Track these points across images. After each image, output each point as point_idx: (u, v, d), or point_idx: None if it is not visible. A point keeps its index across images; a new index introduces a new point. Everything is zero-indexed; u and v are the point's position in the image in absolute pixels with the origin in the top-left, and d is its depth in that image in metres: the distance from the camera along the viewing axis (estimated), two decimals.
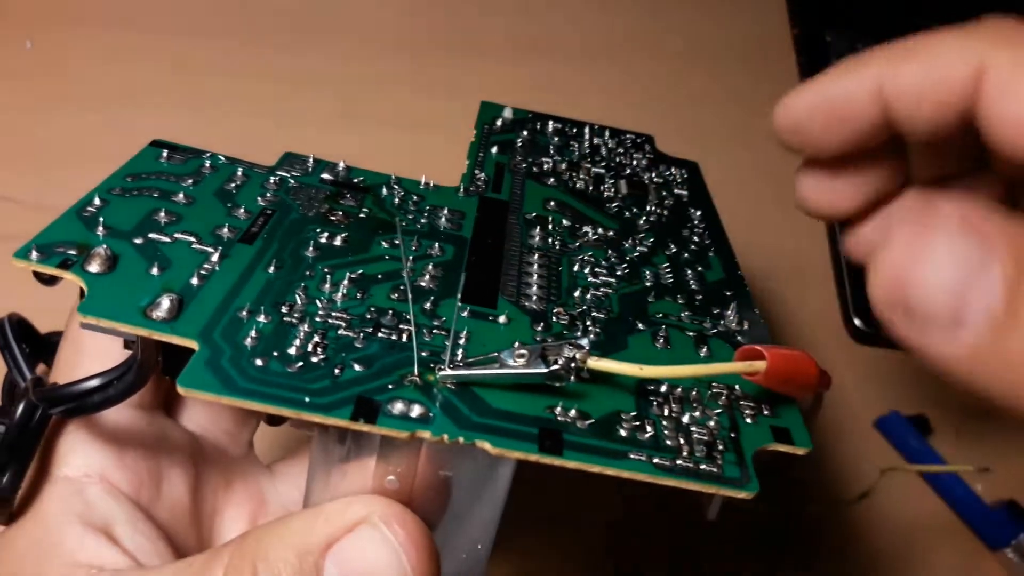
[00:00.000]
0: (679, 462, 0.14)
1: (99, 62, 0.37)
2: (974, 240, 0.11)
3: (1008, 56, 0.13)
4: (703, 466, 0.14)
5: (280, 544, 0.13)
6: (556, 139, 0.25)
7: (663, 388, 0.15)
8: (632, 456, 0.14)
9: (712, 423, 0.15)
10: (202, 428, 0.19)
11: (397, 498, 0.14)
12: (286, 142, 0.35)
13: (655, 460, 0.14)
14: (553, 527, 0.27)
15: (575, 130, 0.25)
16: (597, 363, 0.14)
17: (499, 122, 0.25)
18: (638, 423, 0.14)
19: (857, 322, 0.36)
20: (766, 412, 0.15)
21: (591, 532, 0.28)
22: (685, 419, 0.15)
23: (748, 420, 0.15)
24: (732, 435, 0.15)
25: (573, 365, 0.14)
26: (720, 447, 0.14)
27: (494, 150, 0.23)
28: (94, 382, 0.14)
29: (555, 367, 0.14)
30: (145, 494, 0.17)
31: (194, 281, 0.15)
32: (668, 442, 0.14)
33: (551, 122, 0.26)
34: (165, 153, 0.19)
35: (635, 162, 0.24)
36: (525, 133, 0.24)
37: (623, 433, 0.14)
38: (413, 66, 0.40)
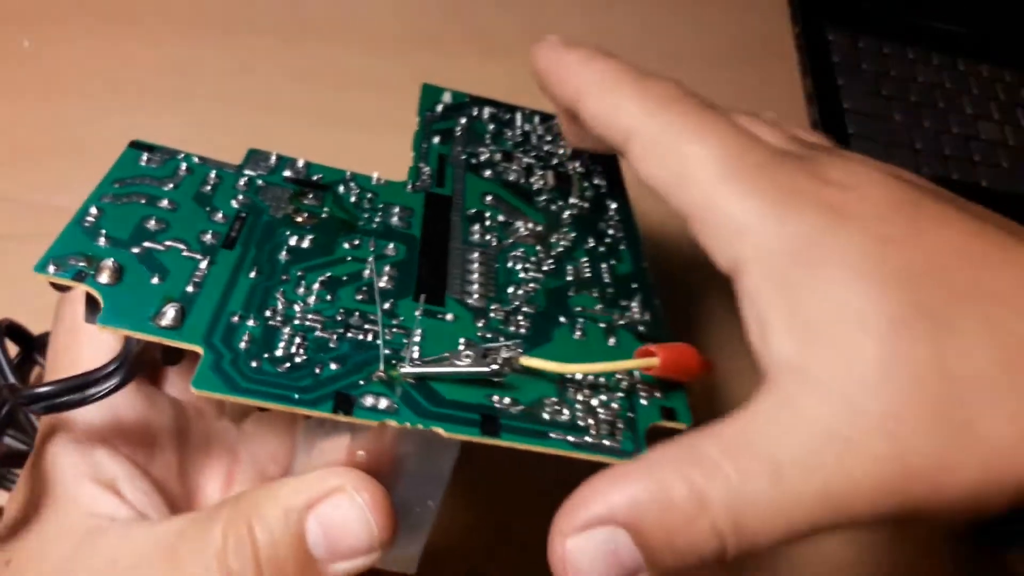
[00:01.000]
0: (588, 439, 0.18)
1: (97, 61, 0.37)
2: None
3: (642, 127, 0.19)
4: (606, 442, 0.18)
5: (272, 504, 0.17)
6: (492, 126, 0.27)
7: (579, 376, 0.19)
8: (552, 435, 0.18)
9: (615, 405, 0.19)
10: (182, 394, 0.22)
11: (364, 469, 0.18)
12: (282, 140, 0.36)
13: (570, 438, 0.18)
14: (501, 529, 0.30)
15: (508, 116, 0.28)
16: (528, 361, 0.18)
17: (439, 107, 0.27)
18: (558, 407, 0.18)
19: None
20: (658, 395, 0.20)
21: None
22: (594, 402, 0.19)
23: (644, 402, 0.19)
24: (630, 415, 0.19)
25: (509, 364, 0.18)
26: (620, 425, 0.18)
27: (436, 140, 0.26)
28: (109, 373, 0.17)
29: (495, 367, 0.18)
30: (141, 455, 0.20)
31: (189, 289, 0.18)
32: (580, 423, 0.18)
33: (487, 108, 0.28)
34: (145, 156, 0.21)
35: (562, 150, 0.27)
36: (464, 120, 0.27)
37: (546, 416, 0.18)
38: (399, 64, 0.41)
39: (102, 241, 0.18)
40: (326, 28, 0.42)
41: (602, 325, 0.21)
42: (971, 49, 0.52)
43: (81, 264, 0.17)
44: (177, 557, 0.17)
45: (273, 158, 0.23)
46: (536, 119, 0.28)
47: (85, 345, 0.19)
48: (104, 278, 0.17)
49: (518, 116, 0.28)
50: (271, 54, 0.40)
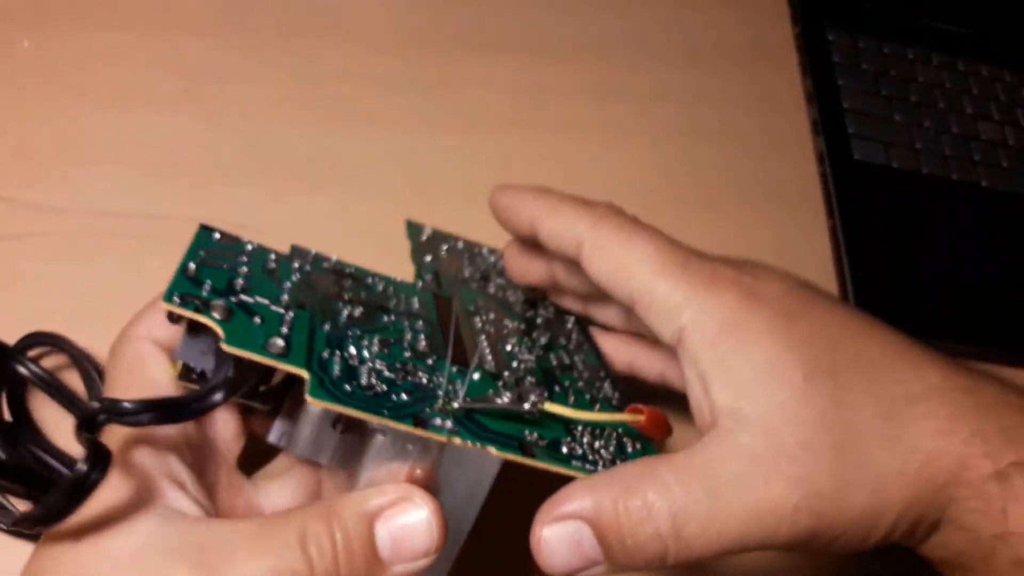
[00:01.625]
0: (599, 469, 0.23)
1: (96, 61, 0.40)
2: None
3: (590, 236, 0.25)
4: None
5: (348, 509, 0.21)
6: (466, 255, 0.33)
7: (580, 428, 0.24)
8: (574, 462, 0.23)
9: (612, 448, 0.24)
10: (221, 442, 0.25)
11: (421, 484, 0.22)
12: (285, 137, 0.40)
13: (587, 466, 0.23)
14: None
15: (477, 250, 0.34)
16: (550, 407, 0.23)
17: (424, 238, 0.33)
18: (573, 445, 0.23)
19: None
20: (637, 446, 0.25)
21: None
22: (596, 445, 0.24)
23: (629, 449, 0.25)
24: (623, 456, 0.24)
25: (537, 405, 0.23)
26: (617, 463, 0.24)
27: (428, 258, 0.32)
28: (219, 396, 0.21)
29: (527, 406, 0.23)
30: (197, 468, 0.23)
31: (284, 330, 0.22)
32: (590, 457, 0.23)
33: (459, 242, 0.34)
34: (217, 235, 0.25)
35: None
36: (445, 247, 0.33)
37: (565, 450, 0.23)
38: (407, 65, 0.45)
39: (206, 291, 0.22)
40: (327, 28, 0.45)
41: (587, 396, 0.27)
42: (971, 49, 0.53)
43: (197, 302, 0.22)
44: (261, 543, 0.20)
45: (312, 253, 0.28)
46: (499, 254, 0.34)
47: (150, 377, 0.23)
48: (217, 315, 0.21)
49: (484, 250, 0.35)
50: (272, 53, 0.42)
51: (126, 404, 0.20)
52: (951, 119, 0.49)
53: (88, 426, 0.20)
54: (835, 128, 0.47)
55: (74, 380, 0.31)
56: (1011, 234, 0.48)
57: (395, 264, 0.32)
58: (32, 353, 0.31)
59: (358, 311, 0.25)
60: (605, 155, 0.46)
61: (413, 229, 0.34)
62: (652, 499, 0.21)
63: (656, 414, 0.25)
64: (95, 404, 0.20)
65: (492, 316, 0.29)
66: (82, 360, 0.31)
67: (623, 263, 0.24)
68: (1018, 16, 0.56)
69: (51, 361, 0.32)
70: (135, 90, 0.40)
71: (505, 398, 0.23)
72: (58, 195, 0.36)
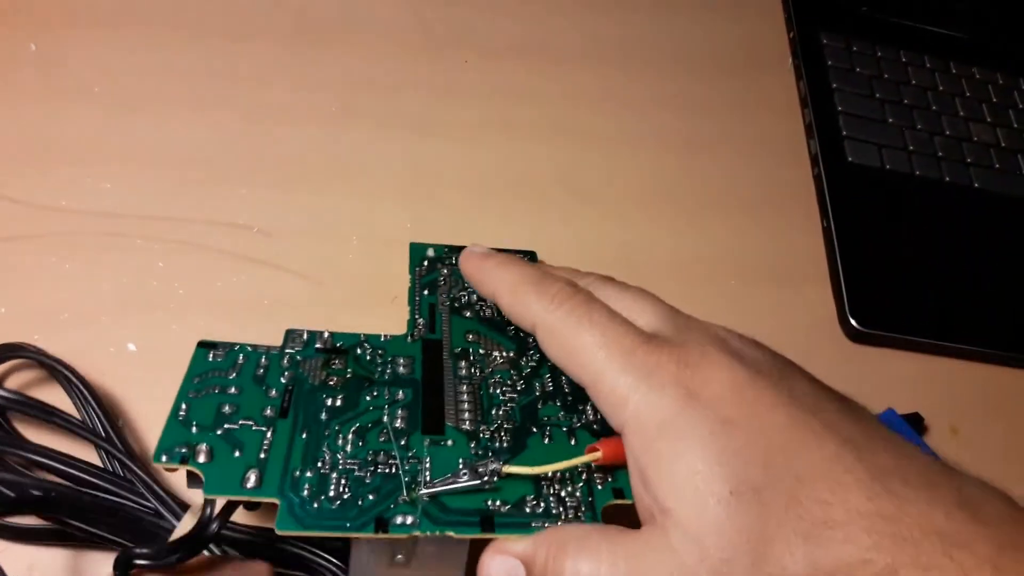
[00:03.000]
0: (559, 524, 0.25)
1: (101, 64, 0.41)
2: None
3: (543, 320, 0.28)
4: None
5: None
6: None
7: (549, 474, 0.27)
8: (533, 524, 0.25)
9: (578, 494, 0.26)
10: None
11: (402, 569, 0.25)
12: (283, 141, 0.42)
13: (546, 525, 0.25)
14: None
15: None
16: (509, 468, 0.26)
17: (425, 261, 0.35)
18: (535, 502, 0.26)
19: (853, 321, 0.41)
20: (609, 479, 0.27)
21: None
22: (563, 494, 0.26)
23: (599, 486, 0.27)
24: (590, 499, 0.26)
25: (496, 473, 0.25)
26: (583, 509, 0.26)
27: (426, 292, 0.34)
28: (215, 526, 0.25)
29: (485, 478, 0.25)
30: None
31: (262, 455, 0.26)
32: (553, 511, 0.26)
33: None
34: (211, 354, 0.29)
35: None
36: (445, 270, 0.35)
37: (528, 510, 0.26)
38: (411, 68, 0.46)
39: (194, 430, 0.26)
40: (329, 30, 0.46)
41: (564, 429, 0.29)
42: (963, 52, 0.55)
43: (183, 451, 0.25)
44: None
45: (305, 334, 0.31)
46: None
47: None
48: (202, 458, 0.25)
49: None
50: (275, 54, 0.44)
51: (150, 550, 0.25)
52: (944, 121, 0.50)
53: (123, 571, 0.25)
54: (829, 131, 0.48)
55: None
56: (1004, 235, 0.48)
57: (395, 264, 0.34)
58: (5, 366, 0.32)
59: (340, 399, 0.28)
60: (602, 159, 0.46)
61: (415, 251, 0.36)
62: (580, 563, 0.24)
63: (614, 447, 0.27)
64: (136, 550, 0.25)
65: (481, 352, 0.31)
66: (59, 370, 0.31)
67: (572, 351, 0.27)
68: (1010, 19, 0.57)
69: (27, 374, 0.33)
70: (140, 92, 0.41)
71: (464, 478, 0.26)
72: (63, 196, 0.37)
